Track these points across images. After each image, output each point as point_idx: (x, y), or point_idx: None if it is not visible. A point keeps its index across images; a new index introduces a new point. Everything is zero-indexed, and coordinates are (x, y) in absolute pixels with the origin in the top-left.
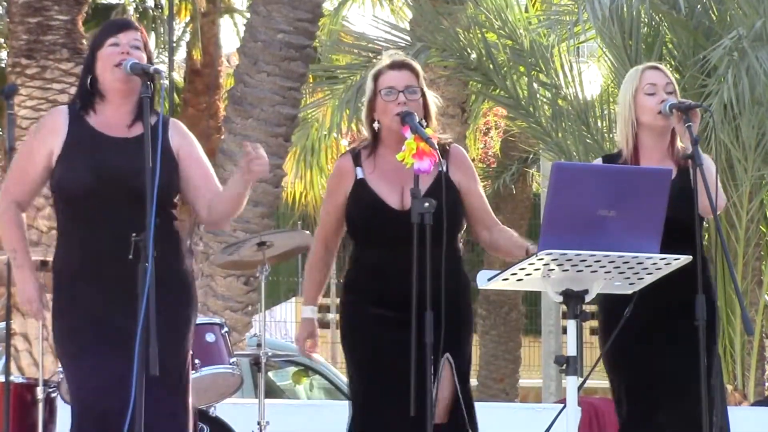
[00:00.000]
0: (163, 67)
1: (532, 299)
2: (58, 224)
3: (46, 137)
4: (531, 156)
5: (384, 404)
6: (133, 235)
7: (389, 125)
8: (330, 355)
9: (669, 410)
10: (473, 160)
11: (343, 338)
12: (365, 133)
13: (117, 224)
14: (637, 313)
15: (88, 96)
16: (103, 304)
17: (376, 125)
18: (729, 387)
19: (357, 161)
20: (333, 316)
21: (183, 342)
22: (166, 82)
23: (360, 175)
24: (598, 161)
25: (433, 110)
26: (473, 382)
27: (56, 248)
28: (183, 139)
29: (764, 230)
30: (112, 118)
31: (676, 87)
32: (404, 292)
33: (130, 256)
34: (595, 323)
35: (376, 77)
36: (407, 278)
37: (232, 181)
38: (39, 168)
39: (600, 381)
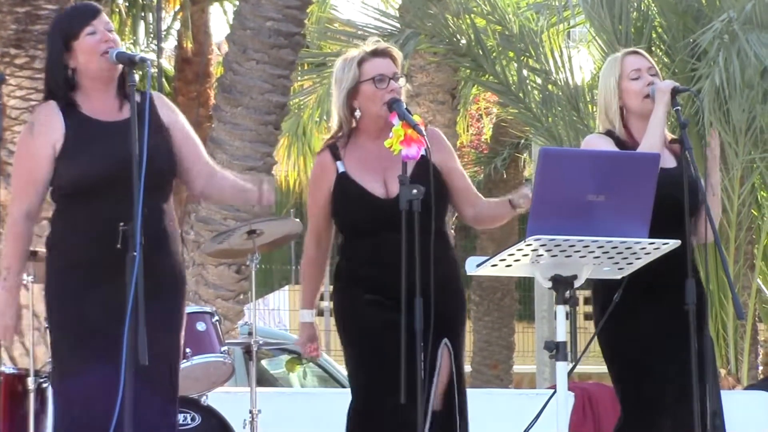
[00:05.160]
0: (153, 56)
1: (526, 285)
2: (54, 215)
3: (45, 134)
4: (522, 141)
5: (380, 389)
6: (121, 224)
7: (377, 112)
8: (324, 343)
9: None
10: (464, 145)
11: (339, 326)
12: (336, 121)
13: (115, 212)
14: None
15: (67, 86)
16: (100, 295)
17: (357, 113)
18: (722, 371)
19: (336, 155)
20: (327, 304)
21: (178, 333)
22: (154, 69)
23: (342, 169)
24: (596, 138)
25: (403, 98)
26: (467, 368)
27: (52, 238)
28: (171, 113)
29: (756, 214)
30: (99, 105)
31: (658, 69)
32: (395, 279)
33: (118, 245)
34: (588, 308)
35: (360, 64)
36: (397, 266)
37: (239, 188)
38: (45, 166)
39: (594, 366)
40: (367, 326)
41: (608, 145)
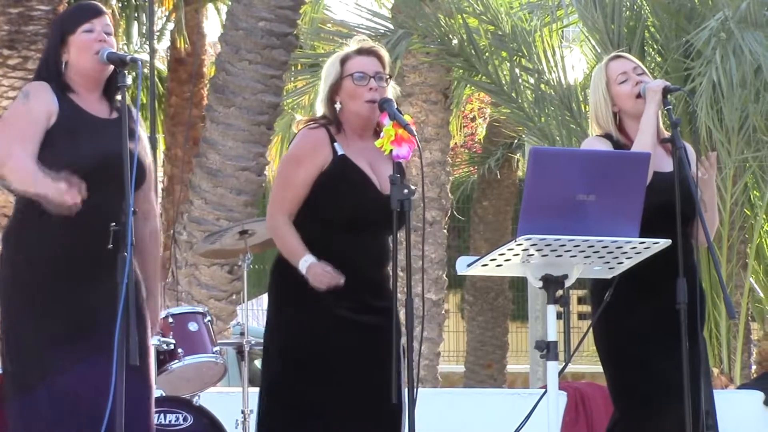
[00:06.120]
0: (146, 56)
1: (519, 284)
2: (27, 210)
3: (42, 103)
4: (515, 141)
5: (346, 393)
6: (113, 224)
7: (357, 110)
8: None
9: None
10: (457, 146)
11: (287, 315)
12: (321, 113)
13: (99, 211)
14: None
15: (59, 77)
16: (82, 294)
17: (337, 106)
18: (715, 370)
19: (331, 136)
20: None
21: (147, 325)
22: (146, 70)
23: (340, 151)
24: (594, 140)
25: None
26: (461, 368)
27: (27, 236)
28: (140, 129)
29: (749, 213)
30: (85, 102)
31: (645, 68)
32: (368, 278)
33: (110, 245)
34: (582, 308)
35: (344, 61)
36: (368, 265)
37: (148, 274)
38: (38, 128)
39: (587, 366)
40: (336, 335)
41: (606, 148)
